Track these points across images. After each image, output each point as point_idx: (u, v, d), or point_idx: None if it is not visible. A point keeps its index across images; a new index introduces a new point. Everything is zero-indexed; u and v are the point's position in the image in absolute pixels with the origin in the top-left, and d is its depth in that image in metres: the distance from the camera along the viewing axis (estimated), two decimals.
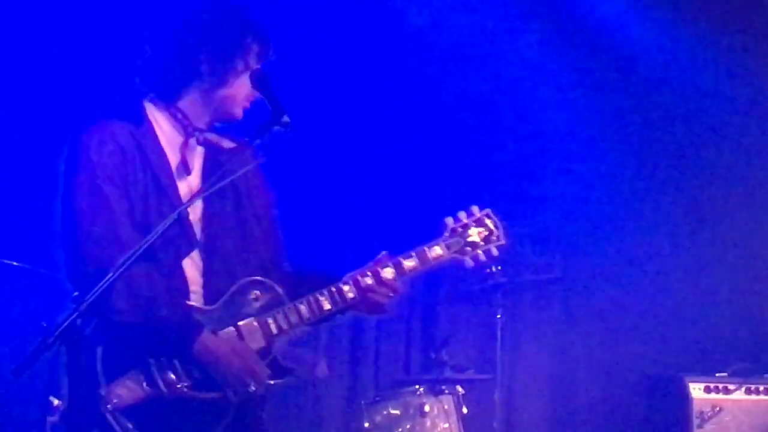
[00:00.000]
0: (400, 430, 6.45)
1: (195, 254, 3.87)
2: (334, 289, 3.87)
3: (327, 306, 3.86)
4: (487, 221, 4.13)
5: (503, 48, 7.79)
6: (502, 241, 4.11)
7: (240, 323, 3.81)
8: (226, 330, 3.78)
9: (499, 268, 6.78)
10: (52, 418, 5.68)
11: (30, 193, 6.57)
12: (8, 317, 6.35)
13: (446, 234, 4.07)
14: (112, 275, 3.37)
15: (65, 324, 3.32)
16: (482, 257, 4.06)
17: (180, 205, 3.70)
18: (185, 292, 3.82)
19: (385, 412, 6.44)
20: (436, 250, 4.02)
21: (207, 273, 3.89)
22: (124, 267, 3.40)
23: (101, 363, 3.68)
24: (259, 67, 3.89)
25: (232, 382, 3.68)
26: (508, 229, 4.16)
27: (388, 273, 3.93)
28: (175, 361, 3.72)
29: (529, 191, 7.64)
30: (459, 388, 6.62)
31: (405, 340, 7.83)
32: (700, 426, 6.81)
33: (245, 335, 3.79)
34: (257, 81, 3.81)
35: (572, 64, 7.82)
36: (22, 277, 6.19)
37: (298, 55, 6.19)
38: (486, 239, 4.09)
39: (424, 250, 4.01)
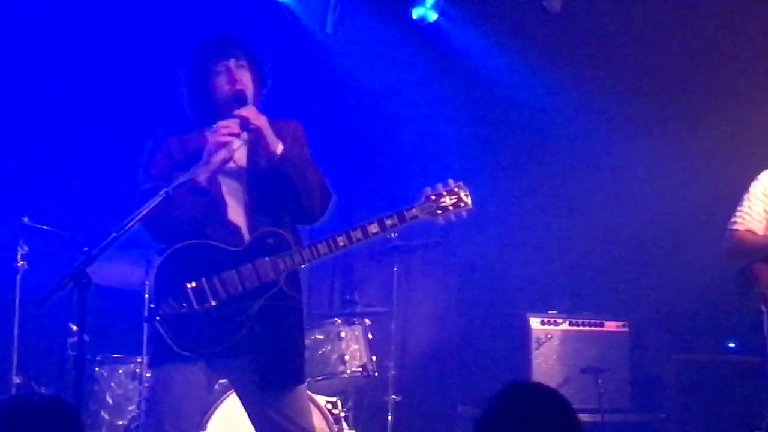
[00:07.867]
0: (322, 350, 6.70)
1: (240, 204, 4.27)
2: (330, 240, 4.23)
3: (324, 250, 4.23)
4: (459, 191, 4.39)
5: (405, 88, 8.28)
6: (470, 206, 4.35)
7: (256, 261, 4.21)
8: (245, 266, 4.19)
9: (396, 234, 6.84)
10: (72, 339, 6.22)
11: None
12: None
13: (422, 200, 4.34)
14: (129, 226, 3.80)
15: (76, 267, 3.55)
16: (452, 217, 4.34)
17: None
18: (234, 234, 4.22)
19: (312, 337, 6.66)
20: (413, 212, 4.29)
21: (249, 220, 4.28)
22: (131, 224, 3.82)
23: (153, 284, 4.21)
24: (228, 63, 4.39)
25: None
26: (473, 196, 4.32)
27: (373, 228, 4.24)
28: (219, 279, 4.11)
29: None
30: (366, 321, 6.94)
31: (329, 285, 8.26)
32: (537, 348, 7.28)
33: (259, 269, 4.20)
34: None
35: (452, 98, 8.35)
36: None
37: None
38: (456, 205, 4.36)
39: (403, 212, 4.29)
